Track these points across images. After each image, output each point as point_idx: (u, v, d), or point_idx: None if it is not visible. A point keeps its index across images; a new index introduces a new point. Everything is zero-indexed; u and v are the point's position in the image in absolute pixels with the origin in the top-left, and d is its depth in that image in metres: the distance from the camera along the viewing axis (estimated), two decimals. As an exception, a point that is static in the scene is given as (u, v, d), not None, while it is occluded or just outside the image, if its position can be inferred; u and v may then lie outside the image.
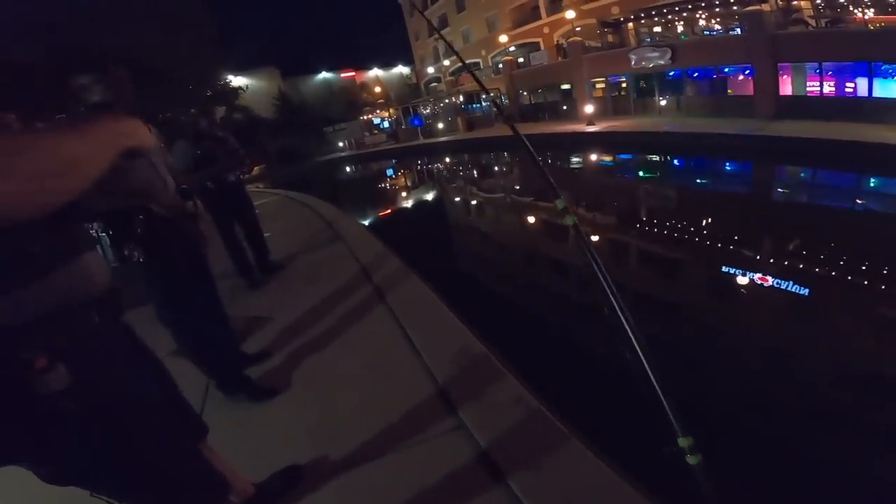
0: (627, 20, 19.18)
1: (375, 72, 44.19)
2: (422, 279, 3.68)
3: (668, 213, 8.58)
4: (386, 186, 17.24)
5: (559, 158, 15.64)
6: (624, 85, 18.40)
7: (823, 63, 12.81)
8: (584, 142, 15.65)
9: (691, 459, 0.62)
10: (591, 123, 16.62)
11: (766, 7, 14.15)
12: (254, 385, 2.36)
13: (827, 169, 10.14)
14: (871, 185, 9.18)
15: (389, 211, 12.43)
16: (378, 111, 30.81)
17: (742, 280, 5.30)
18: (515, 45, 26.58)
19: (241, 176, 4.28)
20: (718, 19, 16.95)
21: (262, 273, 4.30)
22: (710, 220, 7.75)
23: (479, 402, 2.01)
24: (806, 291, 4.88)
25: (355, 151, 24.64)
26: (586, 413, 2.11)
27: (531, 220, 9.35)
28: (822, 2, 14.48)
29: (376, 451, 1.85)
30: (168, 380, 1.32)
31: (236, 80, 25.01)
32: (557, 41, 23.02)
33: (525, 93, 22.97)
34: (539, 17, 24.66)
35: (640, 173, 13.03)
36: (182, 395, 1.37)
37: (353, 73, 42.80)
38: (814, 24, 14.50)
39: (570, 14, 20.98)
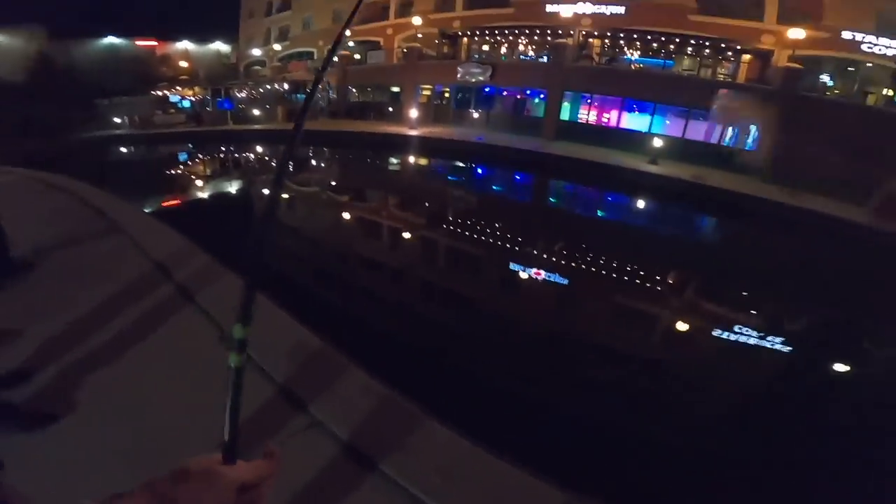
0: (464, 35, 20.97)
1: (185, 44, 38.17)
2: (239, 275, 3.28)
3: (468, 214, 9.74)
4: (180, 173, 14.68)
5: (380, 158, 16.05)
6: (447, 95, 20.22)
7: (593, 95, 16.36)
8: (407, 144, 16.46)
9: (234, 358, 0.57)
10: (412, 128, 17.54)
11: (570, 41, 17.33)
12: (19, 411, 1.74)
13: (583, 183, 13.14)
14: (608, 197, 12.41)
15: (180, 202, 10.62)
16: (179, 88, 26.06)
17: (522, 275, 6.42)
18: (355, 41, 26.52)
19: None
20: (534, 47, 20.17)
21: None
22: (499, 222, 9.07)
23: (328, 396, 1.93)
24: (566, 281, 6.20)
25: (139, 130, 20.22)
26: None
27: (346, 216, 9.39)
28: (607, 41, 18.26)
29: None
30: None
31: None
32: (398, 45, 23.85)
33: (355, 90, 23.02)
34: (387, 18, 25.19)
35: (450, 177, 14.40)
36: None
37: (154, 43, 36.68)
38: (597, 61, 18.27)
39: (417, 20, 22.18)
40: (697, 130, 14.47)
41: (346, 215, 9.47)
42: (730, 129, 14.09)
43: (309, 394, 1.94)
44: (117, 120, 21.38)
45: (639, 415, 3.36)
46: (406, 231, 8.41)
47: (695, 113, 14.41)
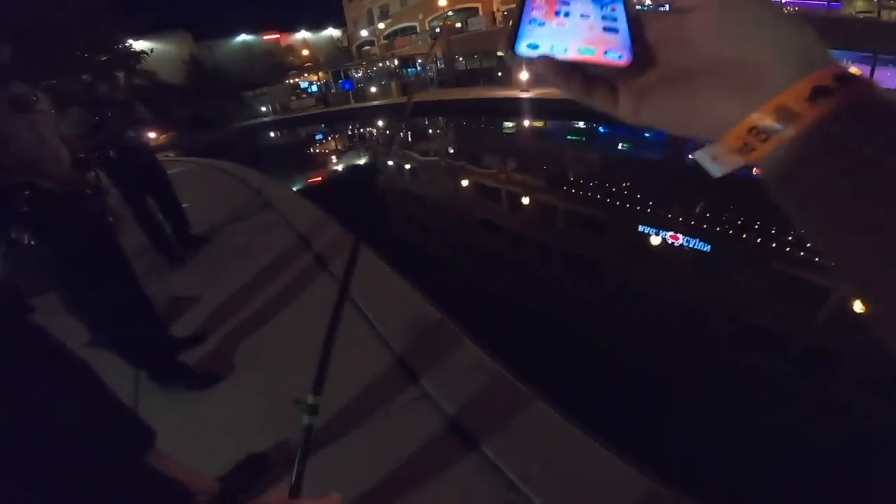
0: (565, -11, 19.43)
1: (303, 34, 41.91)
2: (366, 245, 3.51)
3: (592, 176, 8.98)
4: (317, 151, 16.30)
5: (493, 122, 15.75)
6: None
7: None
8: (520, 107, 15.90)
9: (305, 419, 0.76)
10: (524, 90, 16.82)
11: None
12: (191, 372, 2.12)
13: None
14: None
15: (321, 177, 11.83)
16: (306, 74, 28.85)
17: (655, 239, 5.67)
18: (454, 10, 26.30)
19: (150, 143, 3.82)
20: None
21: (183, 248, 3.88)
22: (629, 182, 8.17)
23: (439, 370, 1.98)
24: (708, 248, 5.33)
25: (280, 116, 22.94)
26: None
27: (465, 183, 9.40)
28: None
29: (341, 429, 1.76)
30: (98, 385, 1.11)
31: (139, 44, 23.25)
32: (497, 8, 22.87)
33: (461, 58, 22.97)
34: None
35: (568, 137, 13.49)
36: (117, 399, 1.16)
37: (277, 36, 40.42)
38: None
39: (510, -21, 20.78)
40: (890, 79, 11.36)
41: (465, 182, 9.53)
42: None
43: (421, 366, 2.00)
44: (262, 109, 24.46)
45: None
46: (527, 197, 8.10)
47: (884, 59, 11.31)
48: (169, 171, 3.98)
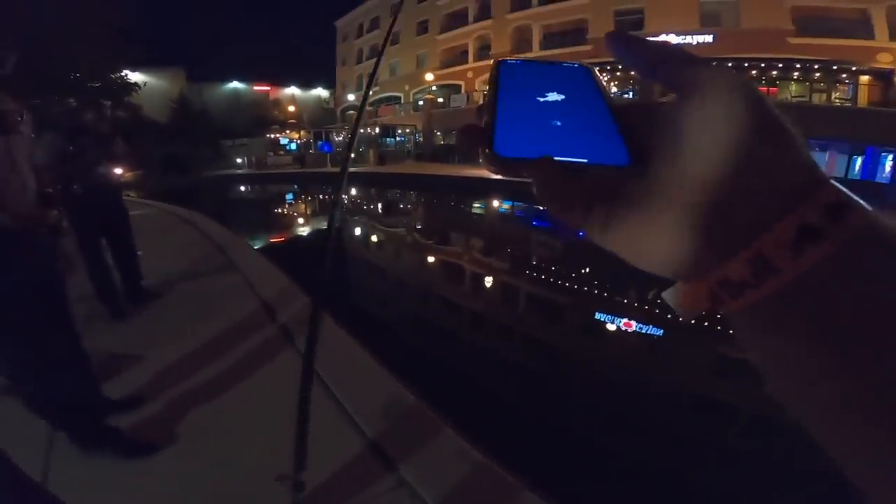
0: (545, 75, 21.78)
1: (292, 90, 43.04)
2: (337, 322, 3.32)
3: (554, 261, 9.25)
4: (288, 213, 16.15)
5: (463, 201, 16.39)
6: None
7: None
8: (490, 187, 16.67)
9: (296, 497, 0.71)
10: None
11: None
12: (123, 438, 1.82)
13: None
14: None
15: (285, 240, 11.52)
16: (288, 131, 29.38)
17: (611, 326, 5.81)
18: (438, 85, 28.07)
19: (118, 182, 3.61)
20: (617, 83, 19.76)
21: (130, 301, 3.56)
22: (588, 269, 8.43)
23: (418, 457, 1.83)
24: (660, 332, 5.50)
25: (254, 171, 22.92)
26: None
27: (431, 259, 9.46)
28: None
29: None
30: (7, 470, 0.92)
31: (134, 76, 22.69)
32: (479, 88, 24.94)
33: (439, 133, 23.98)
34: (467, 61, 26.42)
35: (533, 222, 14.12)
36: (32, 483, 0.96)
37: (267, 88, 41.33)
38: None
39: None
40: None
41: (431, 259, 9.57)
42: (858, 159, 12.34)
43: (399, 452, 1.85)
44: (238, 160, 24.46)
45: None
46: (490, 278, 8.18)
47: (809, 143, 13.07)
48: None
